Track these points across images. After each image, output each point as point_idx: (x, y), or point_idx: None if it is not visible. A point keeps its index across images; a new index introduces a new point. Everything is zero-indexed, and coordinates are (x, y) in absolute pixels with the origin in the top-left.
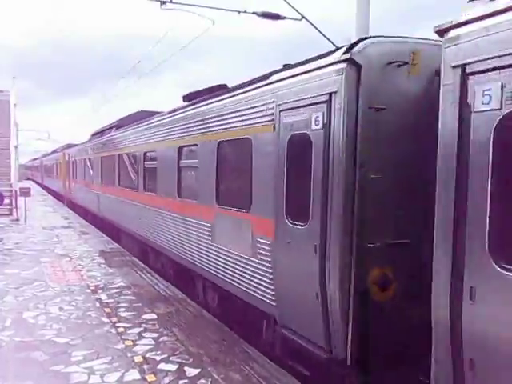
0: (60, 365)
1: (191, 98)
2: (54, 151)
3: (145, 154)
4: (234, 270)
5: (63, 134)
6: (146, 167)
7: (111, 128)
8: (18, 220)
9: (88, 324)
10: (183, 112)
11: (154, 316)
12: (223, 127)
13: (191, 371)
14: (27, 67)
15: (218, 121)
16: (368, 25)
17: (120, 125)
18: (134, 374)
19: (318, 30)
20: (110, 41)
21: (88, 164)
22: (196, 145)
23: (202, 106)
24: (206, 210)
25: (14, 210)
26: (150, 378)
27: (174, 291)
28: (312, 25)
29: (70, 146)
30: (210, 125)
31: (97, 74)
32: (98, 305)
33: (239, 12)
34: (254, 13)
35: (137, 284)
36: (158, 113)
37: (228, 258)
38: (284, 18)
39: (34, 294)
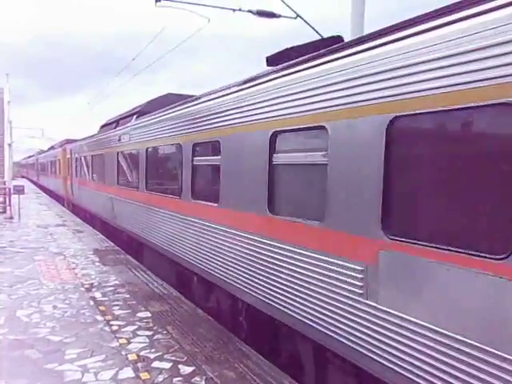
0: (54, 363)
1: (284, 58)
2: (52, 147)
3: (195, 146)
4: (445, 364)
5: (57, 132)
6: (196, 165)
7: (131, 115)
8: (11, 218)
9: (82, 322)
10: (284, 76)
11: (149, 314)
12: (419, 88)
13: (185, 369)
14: (21, 64)
15: (397, 78)
16: (363, 24)
17: (144, 111)
18: (128, 372)
19: (313, 29)
20: (105, 38)
21: (97, 161)
22: (321, 127)
23: (337, 59)
24: (348, 242)
25: (8, 207)
26: (144, 375)
27: (168, 289)
28: (307, 23)
29: (69, 141)
30: (368, 88)
31: (92, 71)
32: (92, 303)
33: (234, 10)
34: (249, 11)
35: (131, 282)
36: (189, 96)
37: (423, 341)
38: (279, 16)
39: (28, 293)
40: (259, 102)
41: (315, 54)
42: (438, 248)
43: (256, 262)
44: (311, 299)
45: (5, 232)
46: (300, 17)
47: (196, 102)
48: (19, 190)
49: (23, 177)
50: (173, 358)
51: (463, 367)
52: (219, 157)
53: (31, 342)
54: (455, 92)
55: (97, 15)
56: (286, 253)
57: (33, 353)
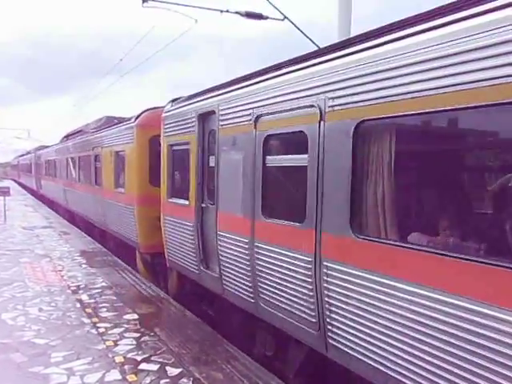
0: (39, 366)
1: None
2: (78, 132)
3: None
4: None
5: (44, 134)
6: None
7: None
8: None
9: (68, 325)
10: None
11: (136, 316)
12: None
13: (173, 371)
14: (6, 64)
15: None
16: (350, 27)
17: None
18: (114, 375)
19: (300, 30)
20: (92, 39)
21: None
22: None
23: None
24: None
25: None
26: (131, 378)
27: (156, 291)
28: (294, 25)
29: (122, 120)
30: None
31: (78, 72)
32: (78, 305)
33: (221, 11)
34: (236, 12)
35: (118, 284)
36: None
37: None
38: (266, 17)
39: (13, 295)
40: None
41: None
42: None
43: None
44: None
45: None
46: (287, 18)
47: None
48: (4, 192)
49: (14, 180)
50: (160, 360)
51: None
52: None
53: (16, 345)
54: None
55: (83, 15)
56: None
57: (18, 356)
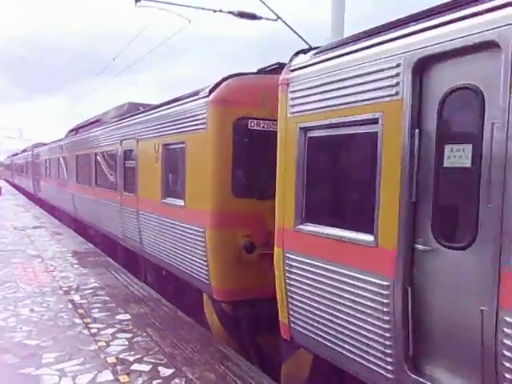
0: (30, 367)
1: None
2: (93, 123)
3: None
4: None
5: (36, 133)
6: None
7: None
8: None
9: (60, 325)
10: None
11: (128, 316)
12: None
13: (165, 371)
14: None
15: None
16: (343, 27)
17: None
18: (106, 375)
19: (293, 30)
20: (85, 38)
21: None
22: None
23: None
24: None
25: None
26: (124, 378)
27: (148, 291)
28: (287, 25)
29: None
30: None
31: (72, 71)
32: (70, 306)
33: (214, 11)
34: (229, 12)
35: (111, 284)
36: None
37: None
38: (260, 18)
39: (4, 296)
40: None
41: None
42: None
43: None
44: None
45: None
46: (280, 18)
47: None
48: None
49: (7, 181)
50: (152, 361)
51: None
52: None
53: (7, 346)
54: None
55: (76, 15)
56: None
57: (9, 357)
